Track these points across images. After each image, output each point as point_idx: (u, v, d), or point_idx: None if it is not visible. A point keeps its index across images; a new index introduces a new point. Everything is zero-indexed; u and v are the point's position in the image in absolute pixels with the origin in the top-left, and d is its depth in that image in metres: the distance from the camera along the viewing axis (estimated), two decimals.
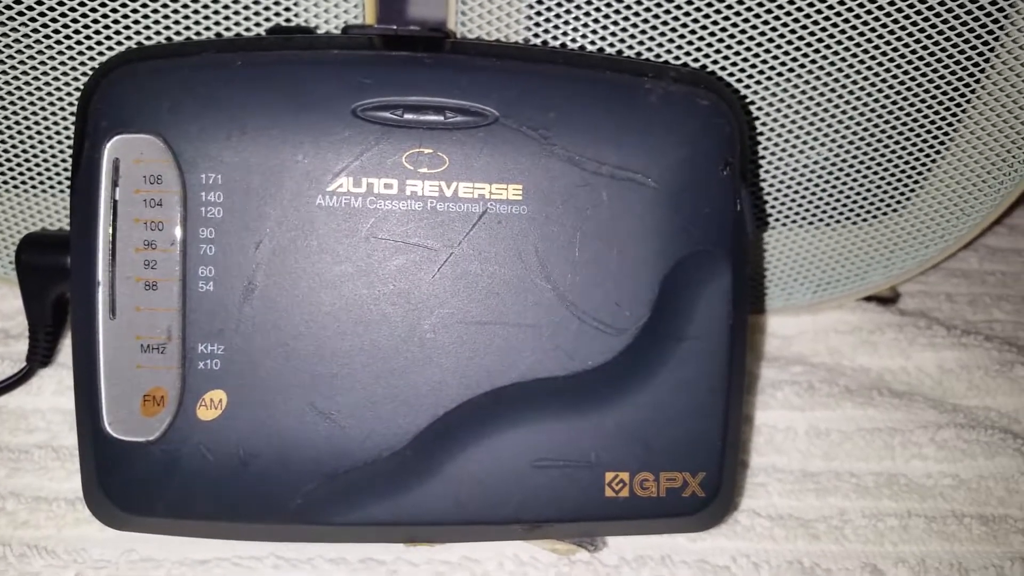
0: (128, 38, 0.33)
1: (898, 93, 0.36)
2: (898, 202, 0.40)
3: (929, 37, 0.34)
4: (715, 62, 0.34)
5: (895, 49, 0.35)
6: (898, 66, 0.35)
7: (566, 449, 0.30)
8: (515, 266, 0.30)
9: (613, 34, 0.34)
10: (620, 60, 0.32)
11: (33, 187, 0.38)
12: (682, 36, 0.34)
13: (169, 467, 0.29)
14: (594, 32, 0.34)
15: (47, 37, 0.33)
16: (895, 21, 0.34)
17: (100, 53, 0.34)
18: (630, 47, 0.34)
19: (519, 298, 0.30)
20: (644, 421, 0.30)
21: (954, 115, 0.37)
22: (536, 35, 0.34)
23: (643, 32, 0.34)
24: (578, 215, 0.30)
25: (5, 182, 0.37)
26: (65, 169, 0.37)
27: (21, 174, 0.37)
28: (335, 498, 0.29)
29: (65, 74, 0.34)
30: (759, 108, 0.36)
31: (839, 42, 0.34)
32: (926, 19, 0.34)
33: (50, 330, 0.36)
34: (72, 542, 0.32)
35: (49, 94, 0.35)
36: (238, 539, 0.32)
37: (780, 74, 0.35)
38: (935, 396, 0.43)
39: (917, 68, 0.35)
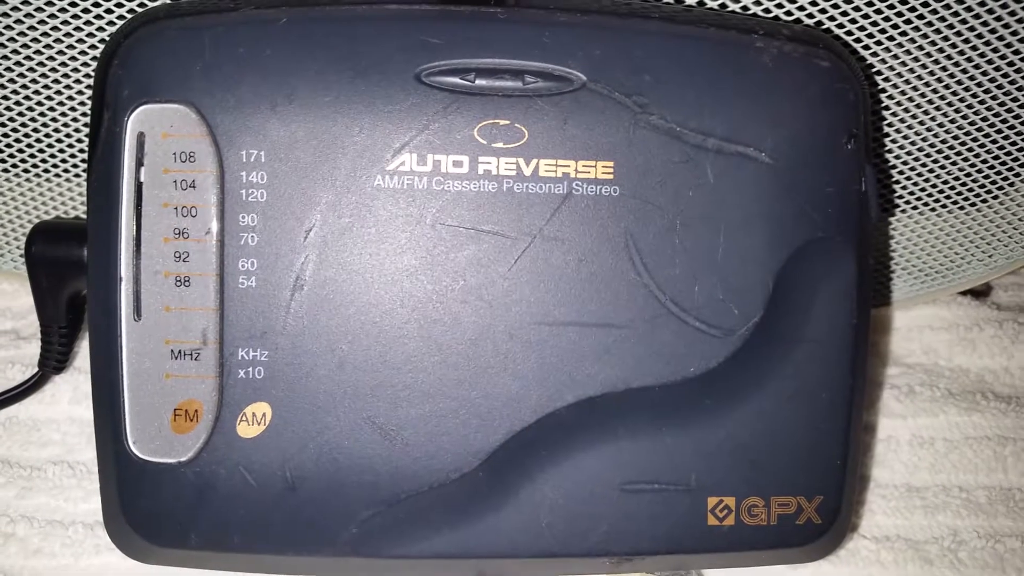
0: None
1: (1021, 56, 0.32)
2: (1001, 188, 0.36)
3: None
4: (832, 18, 0.30)
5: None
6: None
7: (662, 470, 0.27)
8: (605, 257, 0.27)
9: None
10: (724, 14, 0.29)
11: (46, 171, 0.35)
12: None
13: (204, 492, 0.26)
14: None
15: None
16: None
17: (120, 15, 0.30)
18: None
19: (609, 295, 0.27)
20: (754, 437, 0.27)
21: None
22: None
23: None
24: (679, 197, 0.27)
25: (15, 166, 0.35)
26: (82, 149, 0.34)
27: (32, 156, 0.34)
28: (395, 528, 0.27)
29: (82, 41, 0.31)
30: (879, 73, 0.32)
31: None
32: None
33: (65, 331, 0.33)
34: (91, 573, 0.31)
35: (63, 64, 0.31)
36: (281, 574, 0.28)
37: (904, 33, 0.31)
38: None
39: None
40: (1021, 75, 0.33)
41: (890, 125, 0.34)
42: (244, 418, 0.26)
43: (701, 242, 0.27)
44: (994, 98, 0.34)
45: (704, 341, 0.27)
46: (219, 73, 0.25)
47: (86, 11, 0.30)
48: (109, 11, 0.30)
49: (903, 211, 0.37)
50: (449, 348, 0.26)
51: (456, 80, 0.26)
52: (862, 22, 0.31)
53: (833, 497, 0.28)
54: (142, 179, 0.26)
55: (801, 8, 0.30)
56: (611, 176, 0.26)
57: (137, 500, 0.26)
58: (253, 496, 0.26)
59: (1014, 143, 0.35)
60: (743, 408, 0.27)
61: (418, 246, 0.26)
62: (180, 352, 0.26)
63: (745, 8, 0.30)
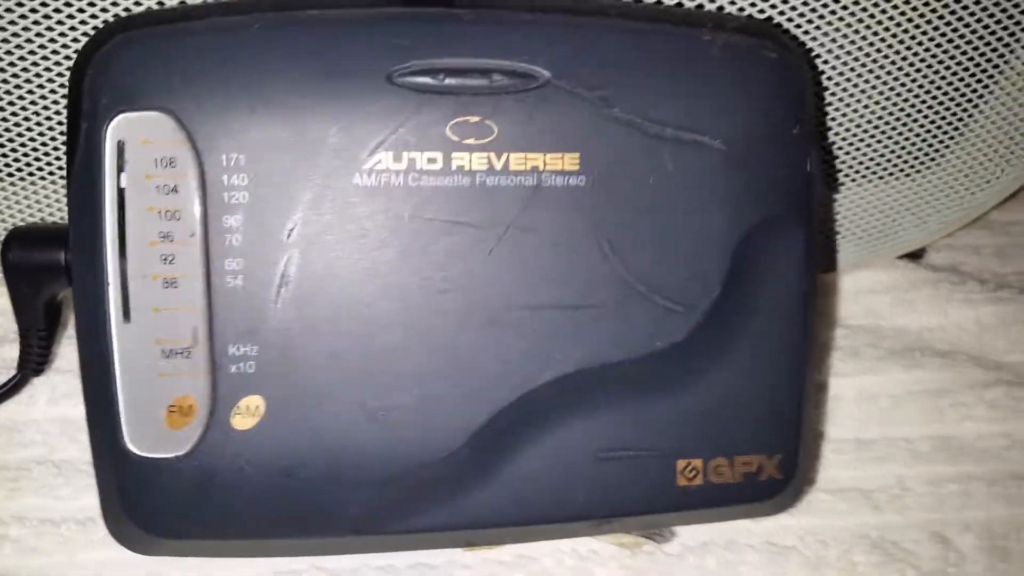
0: (114, 3, 0.29)
1: (947, 38, 0.34)
2: (932, 158, 0.39)
3: None
4: (774, 6, 0.32)
5: None
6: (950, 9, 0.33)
7: (634, 438, 0.28)
8: (575, 243, 0.27)
9: None
10: (674, 10, 0.30)
11: (11, 174, 0.34)
12: None
13: (202, 484, 0.26)
14: None
15: None
16: None
17: (82, 19, 0.30)
18: None
19: (580, 278, 0.28)
20: (717, 403, 0.29)
21: (994, 65, 0.36)
22: None
23: None
24: (641, 184, 0.27)
25: None
26: (46, 153, 0.34)
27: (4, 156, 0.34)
28: (389, 506, 0.27)
29: (53, 41, 0.30)
30: (818, 56, 0.34)
31: None
32: None
33: (44, 334, 0.32)
34: (89, 568, 0.30)
35: (26, 69, 0.31)
36: (283, 556, 0.30)
37: (842, 19, 0.32)
38: (977, 354, 0.42)
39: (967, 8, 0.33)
40: (948, 55, 0.35)
41: (828, 104, 0.36)
42: (238, 411, 0.26)
43: (663, 225, 0.27)
44: (924, 76, 0.36)
45: (670, 317, 0.28)
46: (196, 80, 0.25)
47: (57, 11, 0.29)
48: (81, 11, 0.30)
49: (842, 184, 0.39)
50: (432, 335, 0.27)
51: (426, 80, 0.26)
52: (801, 8, 0.32)
53: (791, 453, 0.29)
54: (124, 185, 0.26)
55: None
56: (578, 167, 0.27)
57: (137, 495, 0.26)
58: (251, 484, 0.26)
59: (943, 117, 0.38)
60: (707, 376, 0.28)
61: (398, 240, 0.26)
62: (172, 351, 0.26)
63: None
